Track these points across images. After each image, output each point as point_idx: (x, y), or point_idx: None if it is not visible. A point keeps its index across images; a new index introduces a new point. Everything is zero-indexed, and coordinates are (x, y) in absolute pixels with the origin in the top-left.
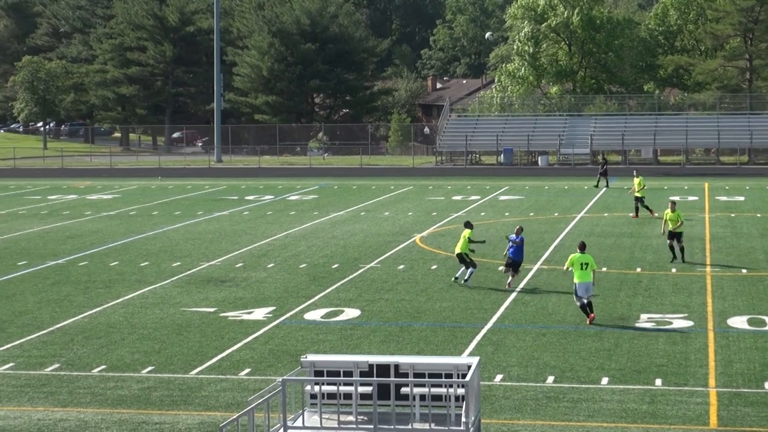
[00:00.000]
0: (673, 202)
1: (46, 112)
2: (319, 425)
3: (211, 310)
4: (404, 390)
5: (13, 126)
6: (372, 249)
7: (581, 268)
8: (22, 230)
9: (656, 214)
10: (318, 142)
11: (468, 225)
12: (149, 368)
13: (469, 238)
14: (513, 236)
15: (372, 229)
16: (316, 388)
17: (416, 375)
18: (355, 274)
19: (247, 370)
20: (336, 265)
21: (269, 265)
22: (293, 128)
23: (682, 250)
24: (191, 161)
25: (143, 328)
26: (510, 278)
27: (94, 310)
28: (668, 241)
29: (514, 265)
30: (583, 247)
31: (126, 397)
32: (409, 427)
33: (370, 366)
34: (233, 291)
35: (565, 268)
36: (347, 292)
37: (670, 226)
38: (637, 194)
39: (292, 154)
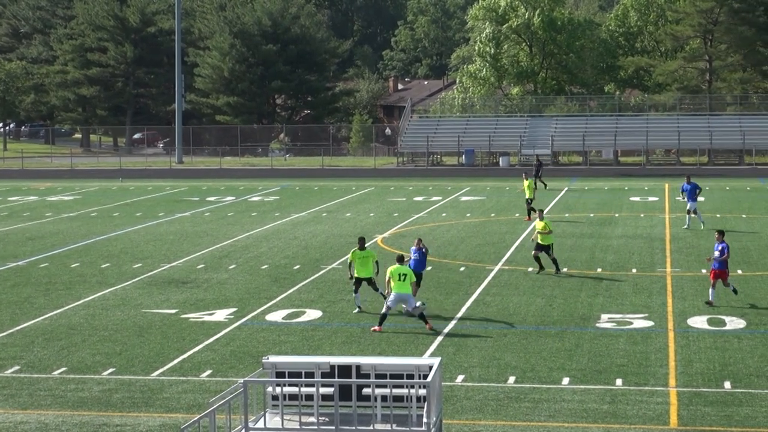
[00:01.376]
0: (541, 211)
1: (6, 113)
2: (280, 426)
3: (173, 311)
4: (366, 391)
5: None
6: (333, 250)
7: (399, 279)
8: None
9: (530, 219)
10: (279, 143)
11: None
12: (110, 370)
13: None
14: (413, 249)
15: (334, 230)
16: (278, 389)
17: (378, 376)
18: (316, 275)
19: (209, 372)
20: (297, 267)
21: (231, 267)
22: (255, 129)
23: (554, 261)
24: (152, 162)
25: (104, 330)
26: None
27: (54, 312)
28: (533, 252)
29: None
30: (401, 260)
31: (87, 399)
32: (371, 428)
33: (332, 367)
34: (194, 292)
35: (387, 281)
36: (309, 293)
37: (539, 238)
38: (527, 196)
39: (254, 155)
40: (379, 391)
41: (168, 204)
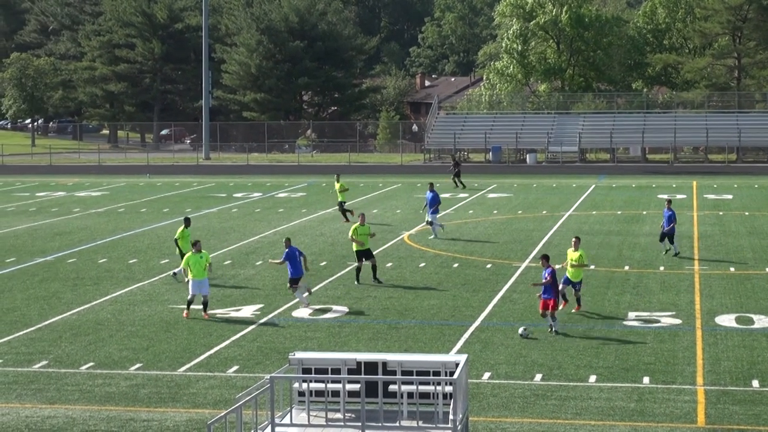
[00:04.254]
0: (362, 215)
1: (34, 109)
2: (306, 422)
3: (200, 307)
4: (392, 387)
5: (0, 123)
6: None
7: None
8: (10, 227)
9: (349, 222)
10: (306, 139)
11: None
12: (137, 365)
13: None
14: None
15: None
16: (304, 385)
17: (404, 372)
18: (343, 272)
19: (235, 368)
20: (324, 263)
21: (257, 263)
22: (281, 126)
23: (374, 268)
24: (179, 158)
25: (131, 326)
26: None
27: (82, 307)
28: (357, 263)
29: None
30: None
31: (114, 394)
32: (397, 424)
33: (358, 363)
34: (221, 288)
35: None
36: (335, 290)
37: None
38: (339, 198)
39: (281, 151)
40: (405, 387)
41: (195, 200)
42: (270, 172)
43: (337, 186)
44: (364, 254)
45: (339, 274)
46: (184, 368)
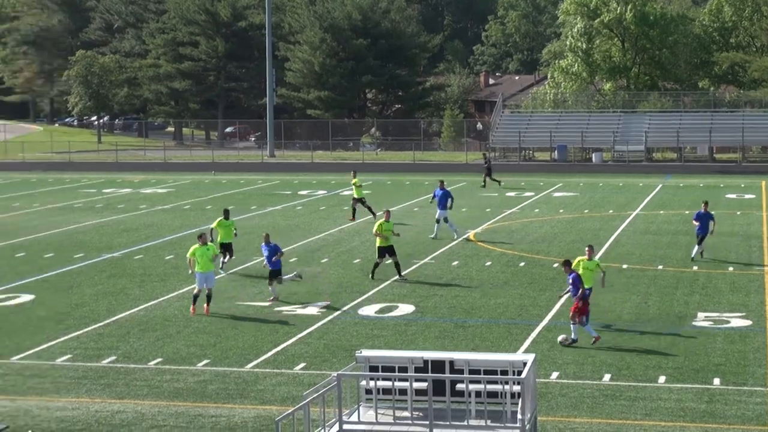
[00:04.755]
0: (388, 212)
1: (99, 106)
2: (374, 420)
3: (266, 304)
4: (460, 386)
5: (67, 120)
6: (426, 245)
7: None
8: (78, 223)
9: (378, 215)
10: (371, 137)
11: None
12: (205, 361)
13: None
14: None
15: (425, 225)
16: (372, 383)
17: (472, 371)
18: (409, 270)
19: (302, 365)
20: (389, 261)
21: (323, 260)
22: (346, 123)
23: (397, 264)
24: (244, 156)
25: (198, 322)
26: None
27: (149, 303)
28: (377, 259)
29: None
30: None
31: (182, 390)
32: (465, 423)
33: (425, 362)
34: (288, 285)
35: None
36: (401, 288)
37: (379, 242)
38: (356, 195)
39: (345, 149)
40: (472, 386)
41: (260, 197)
42: (334, 170)
43: (353, 182)
44: (387, 251)
45: (405, 272)
46: (251, 365)
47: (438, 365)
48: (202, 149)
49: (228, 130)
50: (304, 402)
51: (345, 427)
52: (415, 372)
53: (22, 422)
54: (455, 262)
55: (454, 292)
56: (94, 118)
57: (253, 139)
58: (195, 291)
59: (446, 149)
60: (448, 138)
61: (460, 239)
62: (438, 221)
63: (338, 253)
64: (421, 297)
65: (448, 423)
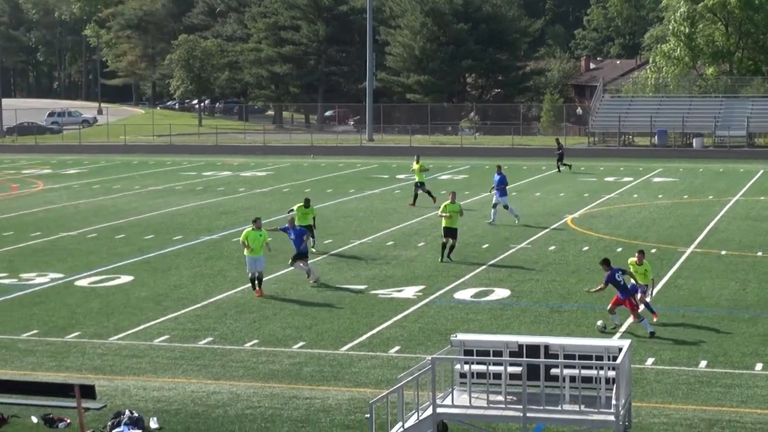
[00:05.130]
0: (453, 193)
1: (201, 90)
2: (468, 404)
3: (362, 287)
4: (554, 371)
5: (169, 103)
6: (523, 229)
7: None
8: (178, 205)
9: (436, 203)
10: (470, 121)
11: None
12: (300, 344)
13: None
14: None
15: (523, 210)
16: (466, 367)
17: (566, 356)
18: (505, 254)
19: (397, 348)
20: (486, 245)
21: (420, 244)
22: (445, 108)
23: (452, 248)
24: (343, 139)
25: (295, 304)
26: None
27: (246, 285)
28: (443, 240)
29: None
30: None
31: (277, 372)
32: (559, 408)
33: (520, 346)
34: (384, 269)
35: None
36: (497, 272)
37: (444, 222)
38: (417, 179)
39: (444, 133)
40: (567, 371)
41: (358, 181)
42: (433, 154)
43: (415, 166)
44: (449, 232)
45: (501, 257)
46: (346, 347)
47: (533, 350)
48: (301, 133)
49: (327, 113)
50: (398, 385)
51: (439, 410)
52: (510, 356)
53: (119, 402)
54: (552, 247)
55: (550, 276)
56: (195, 101)
57: (352, 122)
58: (249, 275)
59: (545, 134)
60: (547, 123)
61: (519, 224)
62: (495, 206)
63: (435, 237)
64: (517, 281)
65: (541, 407)
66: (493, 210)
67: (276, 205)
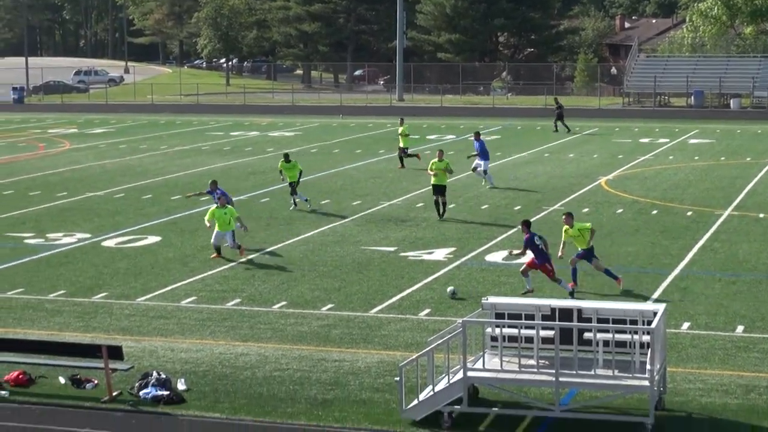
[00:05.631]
0: (440, 151)
1: (228, 49)
2: (499, 368)
3: (392, 249)
4: (587, 335)
5: (196, 62)
6: (555, 191)
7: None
8: (205, 166)
9: (404, 168)
10: (502, 81)
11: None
12: (329, 306)
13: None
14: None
15: (555, 171)
16: (497, 330)
17: (600, 320)
18: (537, 217)
19: (427, 311)
20: (518, 207)
21: (450, 206)
22: (476, 67)
23: (444, 204)
24: (372, 99)
25: (323, 266)
26: None
27: (274, 247)
28: (434, 197)
29: None
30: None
31: (306, 334)
32: (592, 372)
33: (553, 310)
34: (413, 231)
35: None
36: None
37: (433, 180)
38: (401, 143)
39: (475, 93)
40: (600, 335)
41: (388, 141)
42: (464, 114)
43: (400, 130)
44: (438, 190)
45: (533, 219)
46: (375, 310)
47: (566, 313)
48: (330, 92)
49: (357, 73)
50: (429, 348)
51: (469, 374)
52: (542, 320)
53: (147, 363)
54: (586, 209)
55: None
56: (223, 60)
57: (381, 82)
58: (214, 245)
59: (579, 94)
60: (581, 83)
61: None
62: (486, 172)
63: (466, 198)
64: (550, 244)
65: (574, 372)
66: (485, 176)
67: (304, 165)
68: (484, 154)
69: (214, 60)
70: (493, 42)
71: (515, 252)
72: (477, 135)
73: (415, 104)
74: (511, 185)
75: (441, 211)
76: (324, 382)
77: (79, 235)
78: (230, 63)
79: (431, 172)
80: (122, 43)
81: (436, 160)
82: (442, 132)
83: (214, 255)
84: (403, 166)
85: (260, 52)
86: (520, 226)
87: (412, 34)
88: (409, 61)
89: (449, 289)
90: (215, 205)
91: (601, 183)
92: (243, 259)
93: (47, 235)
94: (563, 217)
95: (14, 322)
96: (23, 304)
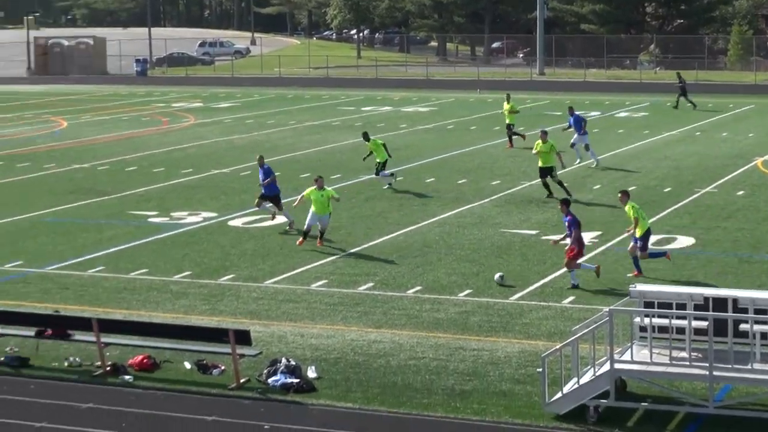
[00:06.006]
0: (545, 132)
1: (359, 20)
2: (648, 360)
3: (533, 232)
4: (743, 327)
5: (326, 33)
6: (708, 172)
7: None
8: (336, 142)
9: (513, 147)
10: (649, 54)
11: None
12: (467, 291)
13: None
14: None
15: (708, 151)
16: (647, 320)
17: (757, 311)
18: (689, 199)
19: (571, 298)
20: (668, 189)
21: (595, 187)
22: (622, 39)
23: (560, 183)
24: (511, 73)
25: (460, 249)
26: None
27: (408, 229)
28: (540, 179)
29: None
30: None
31: (442, 321)
32: (749, 367)
33: (706, 299)
34: (556, 213)
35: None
36: (680, 218)
37: (540, 162)
38: (507, 120)
39: (621, 67)
40: (758, 327)
41: (528, 118)
42: (609, 90)
43: (506, 107)
44: (544, 171)
45: (684, 202)
46: (516, 296)
47: (720, 303)
48: (466, 66)
49: (495, 45)
50: (573, 338)
51: (617, 366)
52: (695, 310)
53: (275, 348)
54: (741, 192)
55: (738, 224)
56: (354, 31)
57: (521, 55)
58: (305, 228)
59: (732, 69)
60: (735, 56)
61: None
62: (588, 147)
63: (611, 179)
64: (702, 229)
65: (729, 366)
66: (588, 152)
67: (439, 142)
68: (579, 129)
69: (344, 31)
70: (640, 12)
71: (560, 242)
72: (571, 110)
73: (557, 78)
74: (660, 165)
75: (549, 191)
76: (462, 372)
77: (205, 214)
78: (361, 34)
79: (539, 154)
80: (248, 13)
81: (539, 141)
82: (587, 108)
83: (300, 240)
84: (511, 145)
85: (393, 23)
86: (559, 206)
87: (554, 4)
88: (550, 33)
89: (497, 275)
90: (313, 187)
91: (758, 164)
92: (374, 243)
93: (172, 213)
94: (619, 195)
95: (138, 304)
96: (147, 286)
